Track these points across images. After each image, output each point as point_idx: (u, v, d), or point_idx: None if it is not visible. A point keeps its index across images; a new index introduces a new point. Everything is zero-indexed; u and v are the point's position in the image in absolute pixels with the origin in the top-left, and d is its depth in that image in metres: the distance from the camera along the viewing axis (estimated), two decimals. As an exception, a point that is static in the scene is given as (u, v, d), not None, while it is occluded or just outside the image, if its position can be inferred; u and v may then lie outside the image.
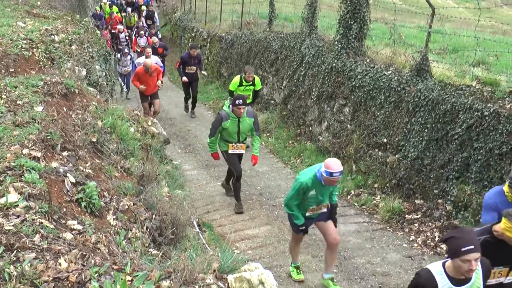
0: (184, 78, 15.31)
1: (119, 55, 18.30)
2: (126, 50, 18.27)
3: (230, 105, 9.16)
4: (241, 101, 8.89)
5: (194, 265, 3.54)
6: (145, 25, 24.90)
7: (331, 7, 14.23)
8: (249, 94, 12.28)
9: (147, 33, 21.89)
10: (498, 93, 8.27)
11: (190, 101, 16.32)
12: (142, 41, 20.92)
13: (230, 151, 9.51)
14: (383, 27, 12.94)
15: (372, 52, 11.52)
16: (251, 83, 12.23)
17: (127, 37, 22.68)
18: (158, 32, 23.43)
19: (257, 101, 15.76)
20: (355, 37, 11.32)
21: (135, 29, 23.04)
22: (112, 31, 23.65)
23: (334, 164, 6.46)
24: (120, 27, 22.70)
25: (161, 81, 14.28)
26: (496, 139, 7.76)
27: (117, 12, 25.84)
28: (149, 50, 14.82)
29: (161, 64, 16.79)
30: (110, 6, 26.86)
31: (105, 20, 24.90)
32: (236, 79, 12.33)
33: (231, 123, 9.14)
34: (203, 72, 16.00)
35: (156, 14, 27.18)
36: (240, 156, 9.86)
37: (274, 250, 8.32)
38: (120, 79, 18.08)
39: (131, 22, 25.49)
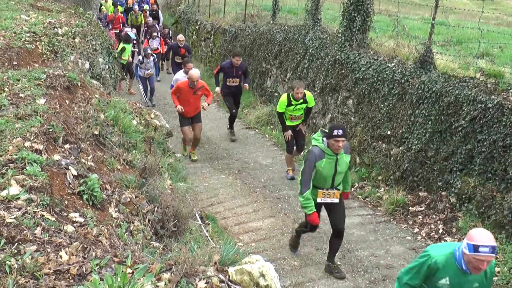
0: (217, 89, 13.14)
1: (140, 57, 16.78)
2: (149, 51, 16.68)
3: (323, 138, 6.79)
4: (340, 132, 6.50)
5: (195, 258, 3.54)
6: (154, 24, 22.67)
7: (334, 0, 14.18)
8: (301, 114, 10.44)
9: (159, 33, 20.22)
10: (502, 85, 8.24)
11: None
12: (155, 43, 19.49)
13: (319, 200, 7.07)
14: (387, 19, 12.88)
15: (375, 44, 11.48)
16: (301, 100, 10.18)
17: (134, 41, 19.48)
18: (170, 32, 21.99)
19: (261, 93, 15.78)
20: (359, 29, 11.28)
21: (145, 29, 21.77)
22: (114, 31, 22.05)
23: (482, 235, 4.01)
24: (127, 29, 20.53)
25: (209, 103, 11.67)
26: (500, 131, 7.73)
27: (121, 12, 24.08)
28: (191, 65, 12.01)
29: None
30: (114, 5, 24.82)
31: (106, 18, 22.95)
32: (283, 98, 10.29)
33: (328, 162, 6.74)
34: (245, 85, 13.07)
35: (160, 13, 25.80)
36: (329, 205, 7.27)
37: (278, 242, 8.32)
38: (141, 84, 17.03)
39: (137, 21, 23.72)
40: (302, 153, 9.84)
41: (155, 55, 17.18)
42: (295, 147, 10.71)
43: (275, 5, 15.82)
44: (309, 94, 10.32)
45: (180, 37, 17.79)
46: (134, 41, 18.58)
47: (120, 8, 24.41)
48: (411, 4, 13.86)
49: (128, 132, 6.60)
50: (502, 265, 7.25)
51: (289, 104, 10.15)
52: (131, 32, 18.95)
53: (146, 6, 25.02)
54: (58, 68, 6.90)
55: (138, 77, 16.88)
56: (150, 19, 22.65)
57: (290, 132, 10.43)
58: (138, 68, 16.63)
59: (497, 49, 10.82)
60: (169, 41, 20.49)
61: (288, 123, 10.38)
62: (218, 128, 14.34)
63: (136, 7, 24.24)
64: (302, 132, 10.70)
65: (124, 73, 17.03)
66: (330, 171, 6.82)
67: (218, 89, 13.15)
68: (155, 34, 19.62)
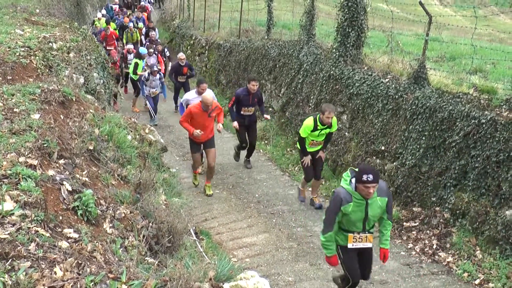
0: (235, 124, 11.40)
1: (146, 73, 15.98)
2: (155, 68, 15.96)
3: (351, 180, 5.91)
4: (370, 177, 5.58)
5: (190, 274, 3.53)
6: (147, 42, 22.19)
7: (329, 15, 14.26)
8: (323, 140, 9.66)
9: (155, 51, 19.41)
10: (495, 100, 8.29)
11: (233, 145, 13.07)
12: (152, 60, 18.29)
13: (350, 246, 6.30)
14: (381, 35, 12.96)
15: (369, 60, 11.55)
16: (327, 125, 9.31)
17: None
18: (166, 49, 21.21)
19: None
20: (353, 45, 11.35)
21: (147, 45, 20.66)
22: (108, 48, 21.03)
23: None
24: (129, 46, 19.57)
25: (222, 122, 10.63)
26: (493, 146, 7.77)
27: (114, 29, 23.73)
28: (205, 85, 11.13)
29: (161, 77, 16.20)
30: (107, 22, 24.50)
31: (100, 36, 21.85)
32: (309, 122, 9.26)
33: (356, 206, 5.90)
34: (266, 116, 11.73)
35: (156, 30, 24.44)
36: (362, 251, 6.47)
37: (272, 258, 8.29)
38: (148, 102, 16.32)
39: (133, 38, 22.92)
40: (319, 182, 10.06)
41: (161, 74, 16.58)
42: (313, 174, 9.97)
43: (270, 21, 15.90)
44: (334, 119, 9.34)
45: (181, 55, 17.20)
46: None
47: (113, 25, 24.02)
48: (405, 20, 13.98)
49: (123, 147, 6.59)
50: (496, 280, 7.25)
51: (315, 129, 9.26)
52: (142, 48, 18.65)
53: (141, 24, 24.56)
54: (52, 83, 6.89)
55: (144, 93, 16.30)
56: (154, 33, 22.17)
57: (309, 157, 9.67)
58: (144, 85, 16.06)
59: (490, 65, 10.91)
60: (164, 59, 19.98)
61: (308, 149, 9.63)
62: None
63: (131, 24, 23.84)
64: (322, 159, 9.96)
65: (119, 87, 16.99)
66: (360, 216, 5.98)
67: (235, 124, 11.38)
68: (151, 50, 18.67)
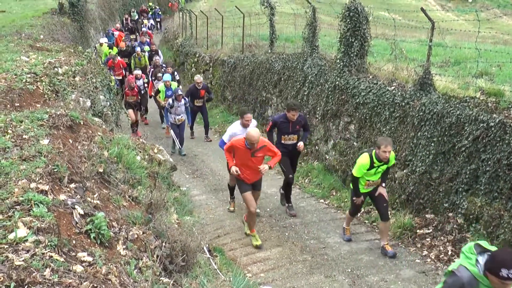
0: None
1: (170, 100, 14.64)
2: (180, 92, 14.67)
3: (479, 259, 4.15)
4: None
5: (206, 292, 3.51)
6: (151, 68, 20.81)
7: (331, 26, 14.29)
8: (379, 178, 8.54)
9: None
10: (503, 103, 8.26)
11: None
12: (161, 85, 17.20)
13: None
14: (384, 43, 12.98)
15: (374, 69, 11.55)
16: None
17: (146, 84, 18.15)
18: (176, 73, 19.74)
19: (262, 122, 15.80)
20: (357, 54, 11.36)
21: (151, 70, 19.98)
22: (116, 77, 19.91)
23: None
24: (138, 72, 17.90)
25: (272, 166, 8.96)
26: (504, 149, 7.73)
27: (116, 53, 22.26)
28: (250, 115, 9.99)
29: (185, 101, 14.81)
30: (110, 46, 23.76)
31: (107, 64, 20.42)
32: (364, 159, 8.15)
33: None
34: (300, 143, 10.13)
35: (160, 52, 23.96)
36: None
37: (287, 271, 8.26)
38: (172, 131, 15.13)
39: (141, 63, 21.83)
40: (388, 223, 8.71)
41: (187, 99, 15.14)
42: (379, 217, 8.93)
43: (272, 34, 15.96)
44: (392, 153, 8.16)
45: (198, 78, 16.12)
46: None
47: (115, 50, 23.19)
48: (407, 27, 13.98)
49: (133, 168, 6.59)
50: (514, 284, 7.17)
51: (371, 166, 8.14)
52: (167, 74, 16.91)
53: (146, 47, 23.54)
54: (60, 107, 6.93)
55: (168, 122, 15.15)
56: (158, 58, 21.11)
57: (362, 198, 8.66)
58: (168, 113, 14.78)
59: (495, 67, 10.87)
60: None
61: (362, 190, 8.54)
62: (222, 160, 14.32)
63: (139, 49, 22.64)
64: (384, 197, 8.64)
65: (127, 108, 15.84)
66: None
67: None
68: (160, 75, 17.81)
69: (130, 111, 16.10)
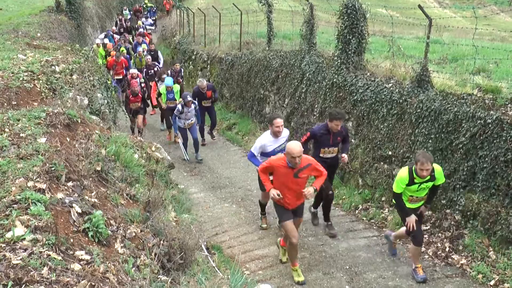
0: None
1: (179, 105, 13.89)
2: (189, 97, 13.79)
3: None
4: None
5: (204, 290, 3.52)
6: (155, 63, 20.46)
7: (328, 23, 14.29)
8: (425, 195, 7.60)
9: (171, 71, 18.38)
10: (500, 100, 8.26)
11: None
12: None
13: None
14: (382, 40, 12.98)
15: (372, 66, 11.55)
16: (428, 177, 7.27)
17: (142, 84, 16.90)
18: (182, 70, 19.34)
19: (260, 120, 15.80)
20: (354, 52, 11.36)
21: (145, 70, 19.43)
22: (116, 77, 19.67)
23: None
24: (134, 71, 17.30)
25: (317, 188, 7.56)
26: (501, 146, 7.74)
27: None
28: (280, 121, 8.72)
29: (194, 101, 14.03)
30: (104, 46, 22.94)
31: (107, 63, 20.12)
32: (403, 174, 7.35)
33: None
34: (345, 156, 9.01)
35: (160, 53, 23.03)
36: None
37: (285, 269, 8.25)
38: (180, 138, 14.51)
39: (141, 63, 21.10)
40: (420, 249, 7.75)
41: (196, 103, 14.33)
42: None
43: (270, 32, 15.94)
44: (438, 169, 7.38)
45: (201, 83, 15.31)
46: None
47: (123, 49, 22.48)
48: (405, 24, 13.97)
49: (130, 166, 6.60)
50: (511, 280, 7.20)
51: (411, 182, 7.32)
52: (168, 78, 16.10)
53: (144, 46, 23.40)
54: (57, 105, 6.92)
55: (177, 130, 14.37)
56: (150, 57, 20.59)
57: (414, 217, 7.51)
58: (177, 118, 14.02)
59: (492, 64, 10.87)
60: (181, 80, 18.71)
61: (408, 205, 7.63)
62: (219, 157, 14.36)
63: (140, 49, 22.35)
64: (422, 216, 7.96)
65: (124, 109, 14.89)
66: None
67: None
68: (164, 76, 16.90)
69: (133, 119, 15.73)
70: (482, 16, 10.35)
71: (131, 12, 39.93)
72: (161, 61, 22.27)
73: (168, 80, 15.63)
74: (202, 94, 15.19)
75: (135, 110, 15.64)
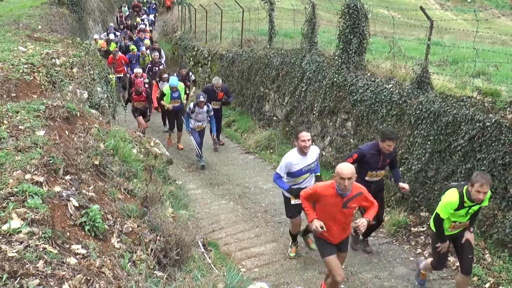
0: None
1: (191, 105, 13.13)
2: (202, 98, 12.93)
3: None
4: None
5: (199, 287, 3.52)
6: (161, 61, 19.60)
7: (330, 22, 14.28)
8: (468, 220, 6.74)
9: (179, 75, 16.66)
10: (499, 103, 8.27)
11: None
12: (166, 86, 15.12)
13: None
14: (383, 40, 12.97)
15: (372, 66, 11.55)
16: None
17: (146, 85, 15.78)
18: (191, 73, 17.83)
19: (259, 117, 15.78)
20: (355, 52, 11.36)
21: (148, 66, 18.51)
22: (117, 74, 19.24)
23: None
24: (138, 70, 16.15)
25: (371, 220, 6.43)
26: (499, 149, 7.75)
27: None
28: (306, 135, 7.54)
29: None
30: (107, 42, 22.68)
31: (107, 61, 18.06)
32: (452, 197, 6.43)
33: None
34: (402, 185, 8.00)
35: (162, 51, 21.94)
36: None
37: (281, 267, 8.27)
38: (192, 136, 13.40)
39: (145, 62, 20.12)
40: (468, 278, 6.99)
41: (210, 105, 13.47)
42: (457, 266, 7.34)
43: (271, 30, 15.93)
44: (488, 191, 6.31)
45: (217, 82, 14.46)
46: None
47: (113, 45, 22.14)
48: (406, 25, 13.98)
49: (129, 161, 6.59)
50: (506, 283, 7.21)
51: (461, 206, 6.44)
52: (173, 77, 14.91)
53: (146, 41, 23.09)
54: (56, 99, 6.92)
55: (189, 128, 13.43)
56: (157, 53, 19.46)
57: (448, 243, 6.90)
58: (189, 118, 13.27)
59: (492, 67, 10.88)
60: (188, 83, 17.23)
61: (447, 233, 6.83)
62: (217, 154, 14.35)
63: (144, 48, 21.52)
64: (471, 246, 6.94)
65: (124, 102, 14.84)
66: None
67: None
68: (165, 75, 16.04)
69: (140, 118, 14.85)
70: (483, 19, 10.38)
71: (130, 10, 38.56)
72: (163, 59, 21.27)
73: (173, 80, 14.55)
74: (214, 93, 14.40)
75: (141, 109, 14.89)
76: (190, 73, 17.64)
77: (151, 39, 25.92)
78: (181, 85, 14.86)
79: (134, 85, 15.05)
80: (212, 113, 13.36)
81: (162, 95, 14.61)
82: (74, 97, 7.65)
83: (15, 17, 16.92)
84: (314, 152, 7.77)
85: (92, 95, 9.31)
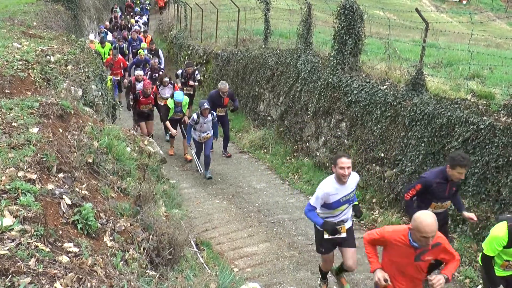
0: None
1: (194, 115, 12.14)
2: (206, 105, 11.95)
3: None
4: None
5: (191, 286, 3.51)
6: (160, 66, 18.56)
7: (326, 23, 14.30)
8: None
9: (183, 74, 16.47)
10: (493, 106, 8.29)
11: None
12: (167, 92, 14.74)
13: None
14: (378, 42, 12.99)
15: (367, 67, 11.56)
16: None
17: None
18: (197, 72, 16.87)
19: (254, 117, 15.77)
20: (350, 53, 11.37)
21: (156, 76, 17.04)
22: (114, 77, 18.56)
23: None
24: (139, 72, 15.58)
25: (450, 278, 5.14)
26: (492, 152, 7.77)
27: (110, 49, 20.72)
28: (346, 161, 6.45)
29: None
30: (101, 42, 21.48)
31: (104, 61, 18.30)
32: (500, 232, 5.68)
33: None
34: (469, 215, 6.92)
35: (161, 53, 21.36)
36: None
37: (273, 267, 8.27)
38: (194, 149, 12.93)
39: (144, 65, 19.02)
40: None
41: (214, 113, 12.54)
42: None
43: (267, 29, 15.93)
44: None
45: (224, 86, 13.45)
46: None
47: (108, 46, 21.26)
48: (402, 26, 14.00)
49: (122, 159, 6.58)
50: (498, 286, 7.22)
51: (511, 244, 5.62)
52: (178, 92, 13.55)
53: (143, 44, 21.90)
54: (51, 96, 6.88)
55: (190, 141, 12.76)
56: (157, 60, 18.34)
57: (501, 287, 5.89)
58: (193, 129, 12.38)
59: (487, 70, 10.92)
60: (193, 83, 16.64)
61: (499, 273, 5.93)
62: (211, 153, 14.31)
63: (143, 52, 20.01)
64: None
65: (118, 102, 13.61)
66: None
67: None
68: (166, 79, 15.01)
69: (142, 124, 13.84)
70: (478, 22, 10.38)
71: (121, 13, 36.52)
72: (162, 61, 20.75)
73: (179, 95, 13.35)
74: (219, 99, 13.48)
75: (146, 113, 13.99)
76: (197, 72, 16.83)
77: (151, 40, 25.04)
78: (185, 100, 13.80)
79: (133, 89, 14.62)
80: (215, 120, 12.53)
81: (167, 109, 13.42)
82: (68, 95, 7.61)
83: (10, 13, 16.85)
84: (353, 180, 6.72)
85: (87, 92, 9.27)
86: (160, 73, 16.68)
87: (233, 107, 13.99)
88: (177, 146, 14.51)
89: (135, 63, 19.26)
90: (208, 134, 12.30)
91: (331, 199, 6.53)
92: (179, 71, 16.96)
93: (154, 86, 15.19)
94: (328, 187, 6.53)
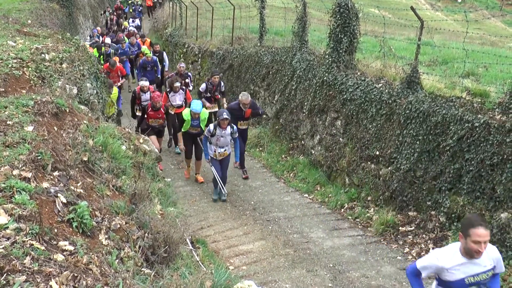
0: None
1: (211, 126, 10.55)
2: (226, 115, 10.31)
3: None
4: None
5: (187, 284, 3.51)
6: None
7: (321, 21, 14.29)
8: None
9: (208, 84, 14.42)
10: (488, 104, 8.32)
11: None
12: (178, 99, 13.52)
13: None
14: (373, 40, 13.00)
15: (362, 65, 11.57)
16: None
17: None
18: (222, 84, 14.91)
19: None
20: (346, 51, 11.37)
21: (166, 78, 15.76)
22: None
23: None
24: (144, 83, 13.54)
25: None
26: (487, 150, 7.79)
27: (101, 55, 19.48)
28: (486, 233, 4.38)
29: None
30: (98, 47, 20.64)
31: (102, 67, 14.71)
32: None
33: None
34: None
35: (165, 55, 20.01)
36: None
37: (269, 265, 8.27)
38: (213, 165, 10.81)
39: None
40: None
41: (235, 127, 10.79)
42: None
43: (262, 27, 15.91)
44: None
45: (245, 98, 11.67)
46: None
47: (95, 52, 19.36)
48: (397, 24, 14.01)
49: (118, 157, 6.57)
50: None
51: None
52: (196, 102, 11.71)
53: (144, 49, 20.13)
54: (46, 94, 6.87)
55: (208, 156, 10.87)
56: (182, 65, 15.93)
57: None
58: (208, 143, 10.79)
59: (482, 68, 10.94)
60: (219, 96, 14.70)
61: None
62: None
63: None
64: None
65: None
66: None
67: None
68: (177, 85, 13.47)
69: (153, 137, 11.70)
70: (473, 20, 10.42)
71: (111, 11, 36.12)
72: (167, 64, 19.82)
73: (196, 105, 11.52)
74: (240, 112, 11.77)
75: (157, 129, 12.42)
76: (222, 83, 14.72)
77: (150, 43, 24.05)
78: (204, 114, 11.80)
79: (138, 100, 13.31)
80: (236, 135, 10.81)
81: (182, 121, 11.86)
82: (63, 93, 7.61)
83: (4, 11, 16.82)
84: (489, 254, 4.64)
85: (82, 90, 9.26)
86: (187, 80, 15.34)
87: (254, 114, 12.25)
88: (173, 145, 14.47)
89: (142, 66, 18.06)
90: (225, 150, 10.78)
91: (450, 277, 4.71)
92: (203, 86, 14.61)
93: (164, 92, 13.88)
94: (447, 261, 4.69)
